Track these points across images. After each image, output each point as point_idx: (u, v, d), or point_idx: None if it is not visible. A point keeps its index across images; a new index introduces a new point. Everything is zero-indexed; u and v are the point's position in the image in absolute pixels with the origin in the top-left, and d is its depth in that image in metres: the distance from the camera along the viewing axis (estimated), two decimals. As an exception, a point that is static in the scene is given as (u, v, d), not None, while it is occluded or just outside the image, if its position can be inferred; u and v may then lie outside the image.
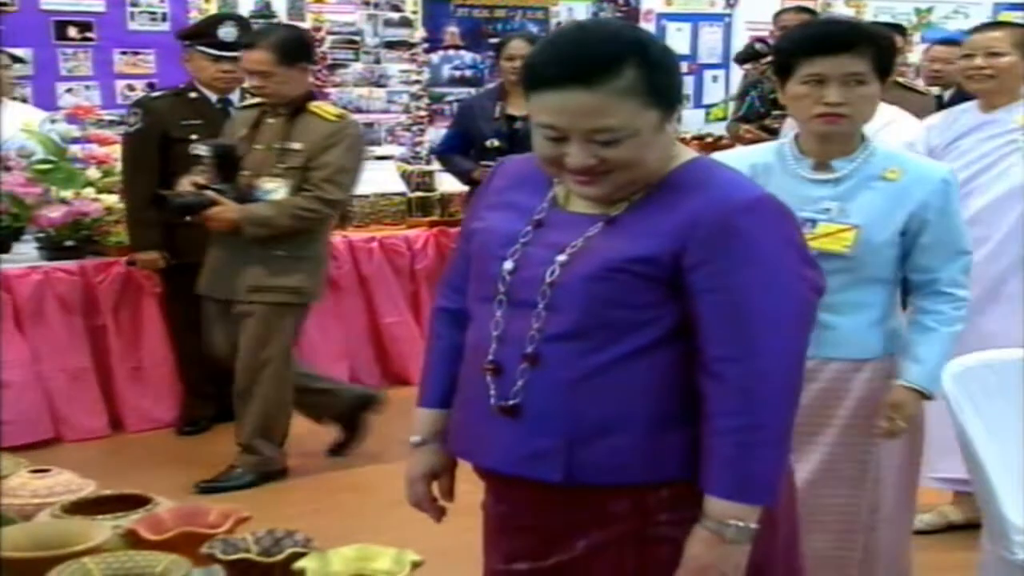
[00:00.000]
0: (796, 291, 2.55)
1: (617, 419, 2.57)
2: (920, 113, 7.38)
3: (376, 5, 10.52)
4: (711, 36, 12.39)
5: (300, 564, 2.06)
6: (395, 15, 10.43)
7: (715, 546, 2.51)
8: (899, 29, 8.58)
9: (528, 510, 2.72)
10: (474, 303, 2.77)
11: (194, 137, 6.76)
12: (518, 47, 7.48)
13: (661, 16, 11.99)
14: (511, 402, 2.61)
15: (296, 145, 5.98)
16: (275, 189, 5.98)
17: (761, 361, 2.50)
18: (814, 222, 3.51)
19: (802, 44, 3.56)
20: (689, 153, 2.69)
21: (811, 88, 3.48)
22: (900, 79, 7.59)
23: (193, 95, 7.04)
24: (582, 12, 11.84)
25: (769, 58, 9.23)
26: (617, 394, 2.58)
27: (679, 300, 2.55)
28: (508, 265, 2.64)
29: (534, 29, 11.54)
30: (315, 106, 6.22)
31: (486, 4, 11.07)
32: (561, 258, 2.57)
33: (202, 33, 7.11)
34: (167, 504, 2.43)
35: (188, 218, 6.08)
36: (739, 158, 3.66)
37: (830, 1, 11.89)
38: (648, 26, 11.74)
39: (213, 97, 7.04)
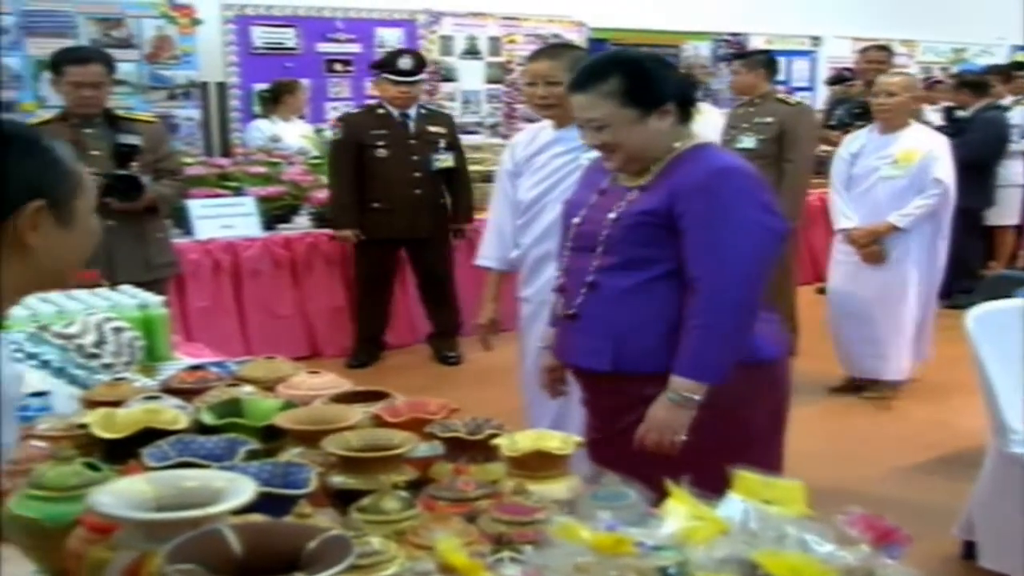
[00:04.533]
0: (753, 232, 2.70)
1: (643, 325, 2.77)
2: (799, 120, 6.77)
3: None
4: (801, 67, 12.29)
5: (496, 441, 2.13)
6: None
7: (670, 409, 2.70)
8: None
9: (593, 394, 2.96)
10: (560, 253, 3.06)
11: (380, 144, 6.88)
12: None
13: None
14: (572, 311, 2.89)
15: (137, 141, 5.05)
16: None
17: (722, 280, 2.67)
18: None
19: None
20: (701, 140, 2.87)
21: None
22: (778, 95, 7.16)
23: (380, 111, 7.02)
24: (705, 50, 11.74)
25: (854, 81, 9.17)
26: (642, 308, 2.77)
27: (677, 243, 2.73)
28: (576, 220, 2.93)
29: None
30: (126, 112, 5.48)
31: (635, 43, 11.00)
32: (612, 215, 2.82)
33: (387, 63, 7.05)
34: (401, 398, 2.49)
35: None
36: None
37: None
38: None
39: (395, 112, 6.98)
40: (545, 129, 4.11)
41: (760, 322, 2.78)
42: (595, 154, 3.00)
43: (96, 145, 4.99)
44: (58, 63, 5.05)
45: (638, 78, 2.75)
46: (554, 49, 4.47)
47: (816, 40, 12.43)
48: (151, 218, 5.25)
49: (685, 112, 2.83)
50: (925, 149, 5.92)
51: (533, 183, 4.09)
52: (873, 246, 5.97)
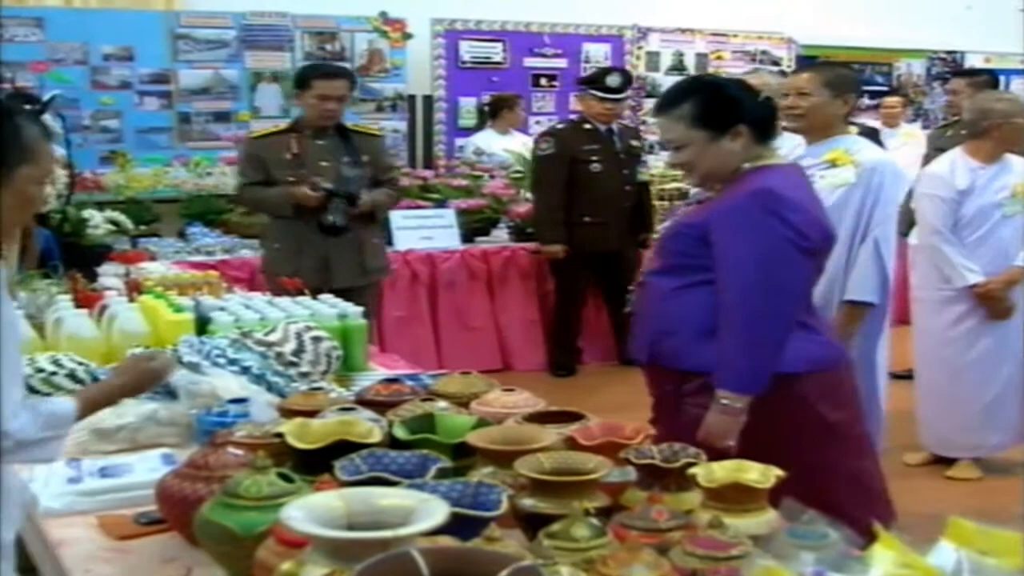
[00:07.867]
0: (769, 242, 2.79)
1: (678, 323, 2.92)
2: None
3: (761, 61, 10.38)
4: (1019, 86, 11.75)
5: (692, 471, 2.07)
6: (775, 67, 10.21)
7: (716, 415, 2.84)
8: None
9: (648, 387, 3.13)
10: None
11: (594, 159, 6.93)
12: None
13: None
14: (629, 309, 3.20)
15: (364, 157, 5.28)
16: None
17: (737, 288, 2.81)
18: None
19: None
20: (771, 161, 2.98)
21: None
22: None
23: (587, 126, 7.06)
24: (918, 67, 11.38)
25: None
26: (679, 308, 2.92)
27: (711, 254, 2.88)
28: (662, 227, 3.31)
29: (879, 79, 11.14)
30: (355, 126, 5.70)
31: (846, 60, 10.72)
32: (668, 224, 3.17)
33: (594, 80, 7.12)
34: (595, 420, 2.46)
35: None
36: None
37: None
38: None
39: (602, 127, 7.02)
40: (800, 146, 4.16)
41: (798, 335, 2.86)
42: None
43: (325, 156, 5.23)
44: (307, 77, 5.31)
45: (709, 103, 2.93)
46: (818, 65, 4.84)
47: (1038, 58, 11.90)
48: (367, 224, 5.42)
49: (762, 133, 2.96)
50: None
51: None
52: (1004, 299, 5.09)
